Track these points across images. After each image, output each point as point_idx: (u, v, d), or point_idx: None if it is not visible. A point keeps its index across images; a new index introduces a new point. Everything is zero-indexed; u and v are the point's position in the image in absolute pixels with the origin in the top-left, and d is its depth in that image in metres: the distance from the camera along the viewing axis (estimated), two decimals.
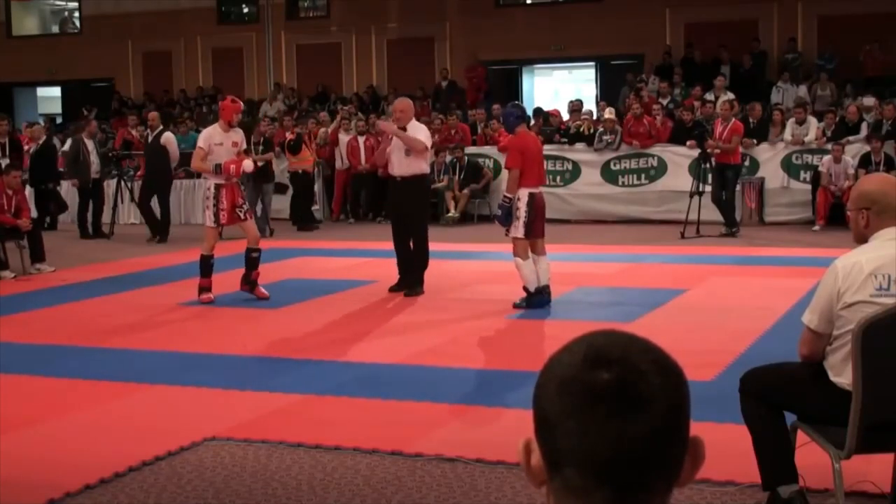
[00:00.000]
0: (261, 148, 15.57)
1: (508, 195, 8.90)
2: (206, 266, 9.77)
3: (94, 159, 15.71)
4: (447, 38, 22.74)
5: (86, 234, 15.67)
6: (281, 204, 16.95)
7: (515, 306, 9.01)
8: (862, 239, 3.96)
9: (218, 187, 9.58)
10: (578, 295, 9.76)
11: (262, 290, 9.80)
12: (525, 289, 9.03)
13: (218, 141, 9.55)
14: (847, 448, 3.80)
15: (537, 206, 8.95)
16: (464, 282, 10.54)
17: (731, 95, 16.79)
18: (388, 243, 11.84)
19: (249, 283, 9.83)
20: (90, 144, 15.79)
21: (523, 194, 8.84)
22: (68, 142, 18.92)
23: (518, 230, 8.87)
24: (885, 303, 3.75)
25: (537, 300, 9.00)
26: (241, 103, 10.61)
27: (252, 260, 9.81)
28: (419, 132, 9.81)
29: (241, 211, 9.71)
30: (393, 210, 10.46)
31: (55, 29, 27.75)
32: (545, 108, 18.61)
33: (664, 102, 17.62)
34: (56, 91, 27.44)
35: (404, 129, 9.72)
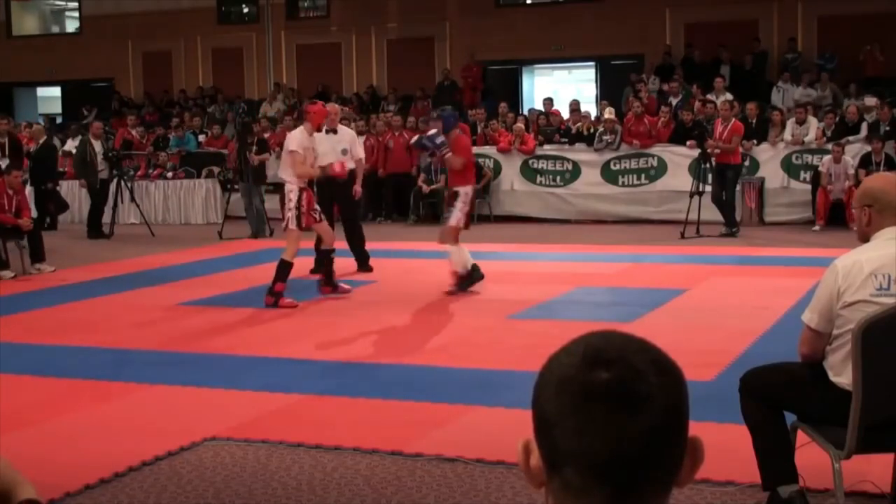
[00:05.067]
0: (254, 148, 15.57)
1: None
2: (287, 271, 9.50)
3: (101, 160, 15.73)
4: (447, 38, 22.73)
5: (94, 234, 15.67)
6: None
7: (449, 293, 9.62)
8: (864, 237, 3.97)
9: (301, 191, 9.48)
10: (578, 295, 9.75)
11: (344, 285, 9.94)
12: (457, 273, 9.64)
13: (306, 145, 9.50)
14: (847, 448, 3.80)
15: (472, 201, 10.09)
16: None
17: (729, 96, 16.79)
18: (387, 243, 11.88)
19: (332, 284, 9.83)
20: (97, 145, 15.80)
21: (470, 190, 9.79)
22: (69, 141, 18.99)
23: (461, 221, 9.67)
24: (885, 302, 3.75)
25: (468, 282, 9.75)
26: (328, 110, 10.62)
27: (331, 261, 9.82)
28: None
29: (315, 213, 9.66)
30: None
31: (55, 29, 27.76)
32: (542, 109, 18.60)
33: (674, 102, 17.61)
34: (56, 91, 27.43)
35: (335, 131, 10.42)
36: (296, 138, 9.56)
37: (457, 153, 9.64)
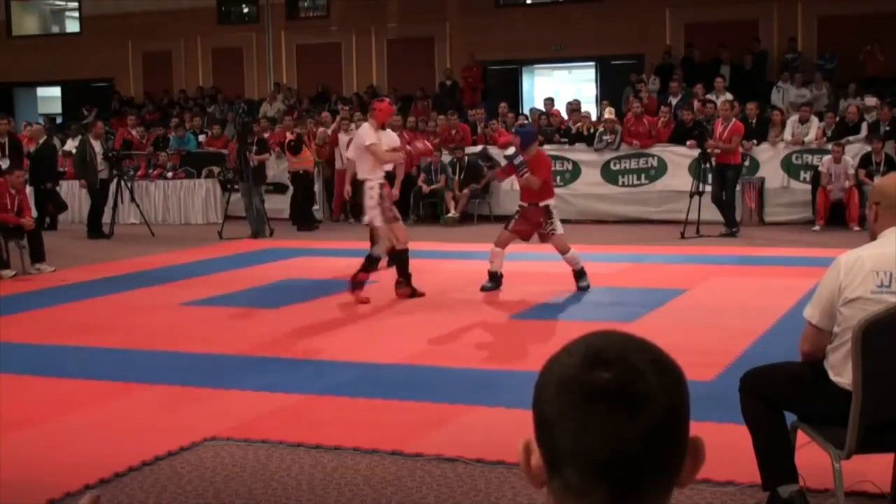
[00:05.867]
0: (254, 148, 15.57)
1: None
2: (374, 264, 9.51)
3: (101, 161, 15.74)
4: (447, 38, 22.73)
5: (94, 234, 15.68)
6: (281, 204, 16.95)
7: (580, 288, 9.83)
8: (872, 234, 4.00)
9: (381, 186, 9.45)
10: (578, 295, 9.75)
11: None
12: (574, 271, 9.84)
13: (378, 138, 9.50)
14: (847, 448, 3.80)
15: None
16: (464, 282, 10.54)
17: (729, 96, 16.80)
18: None
19: (410, 285, 9.68)
20: (97, 146, 15.81)
21: (553, 202, 9.89)
22: (69, 141, 18.99)
23: (561, 228, 9.79)
24: (885, 300, 3.75)
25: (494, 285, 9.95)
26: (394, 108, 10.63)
27: (406, 261, 9.68)
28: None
29: (394, 210, 9.66)
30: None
31: (55, 29, 27.77)
32: (543, 109, 18.60)
33: (674, 102, 17.60)
34: (56, 91, 27.43)
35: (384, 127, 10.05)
36: (368, 132, 9.51)
37: (536, 170, 9.61)
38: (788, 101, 17.86)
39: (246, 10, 24.78)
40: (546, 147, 16.73)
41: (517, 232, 9.87)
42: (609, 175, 16.24)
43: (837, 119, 15.73)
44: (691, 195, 13.96)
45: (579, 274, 9.86)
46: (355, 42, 23.49)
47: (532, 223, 9.77)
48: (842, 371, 3.89)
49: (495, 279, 9.96)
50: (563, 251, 9.83)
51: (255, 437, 5.42)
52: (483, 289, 9.88)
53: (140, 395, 6.50)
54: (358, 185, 10.25)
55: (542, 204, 9.72)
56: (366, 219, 9.61)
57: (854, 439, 3.77)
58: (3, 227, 11.91)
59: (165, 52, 24.86)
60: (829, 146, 14.93)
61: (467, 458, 4.97)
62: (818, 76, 18.50)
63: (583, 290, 9.75)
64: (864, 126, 15.51)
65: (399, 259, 9.75)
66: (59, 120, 25.74)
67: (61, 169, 17.45)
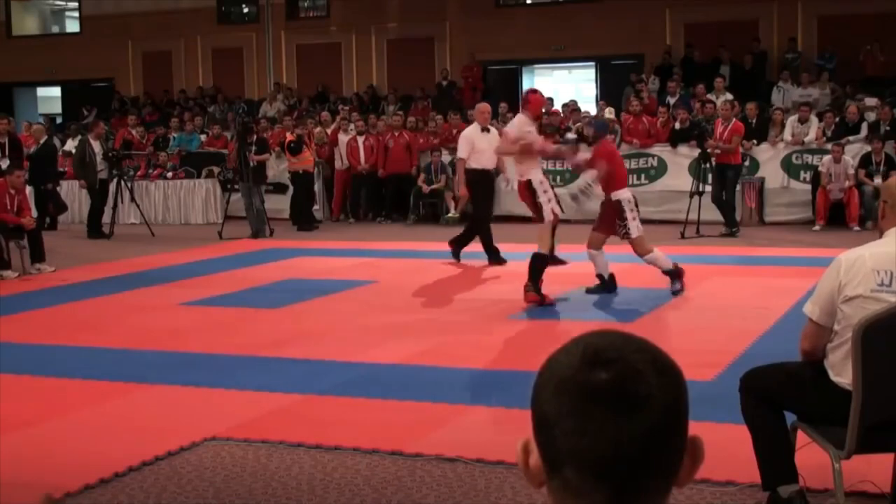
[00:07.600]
0: (254, 148, 15.56)
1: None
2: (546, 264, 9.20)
3: (101, 160, 15.74)
4: (447, 38, 22.74)
5: (94, 234, 15.68)
6: (281, 204, 16.95)
7: (675, 293, 9.35)
8: (880, 231, 4.01)
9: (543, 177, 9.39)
10: (578, 295, 9.75)
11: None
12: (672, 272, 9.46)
13: (527, 130, 9.47)
14: (847, 448, 3.80)
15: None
16: (464, 282, 10.54)
17: (729, 96, 16.80)
18: (387, 243, 11.87)
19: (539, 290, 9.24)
20: (96, 146, 15.81)
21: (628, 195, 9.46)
22: (69, 141, 18.99)
23: (638, 229, 9.36)
24: (886, 299, 3.75)
25: (607, 286, 9.61)
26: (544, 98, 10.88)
27: (545, 265, 9.32)
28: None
29: None
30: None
31: (55, 29, 27.78)
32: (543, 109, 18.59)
33: (672, 101, 17.60)
34: (56, 91, 27.45)
35: (488, 130, 11.10)
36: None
37: (604, 159, 9.45)
38: (792, 100, 17.81)
39: (246, 10, 24.76)
40: None
41: (598, 229, 9.50)
42: None
43: (837, 119, 15.73)
44: (691, 195, 13.96)
45: (671, 274, 9.43)
46: (355, 42, 23.50)
47: (608, 218, 9.43)
48: (842, 371, 3.89)
49: (602, 281, 9.62)
50: (642, 254, 9.45)
51: (255, 437, 5.42)
52: (588, 291, 9.60)
53: (140, 395, 6.50)
54: (483, 182, 10.85)
55: (613, 197, 9.38)
56: (547, 216, 9.22)
57: (854, 439, 3.76)
58: (4, 227, 11.91)
59: (165, 52, 24.87)
60: (829, 146, 14.94)
61: (467, 458, 4.97)
62: (825, 76, 18.49)
63: (676, 294, 9.33)
64: (864, 126, 15.51)
65: (539, 262, 9.31)
66: (59, 120, 25.75)
67: (61, 169, 17.46)
